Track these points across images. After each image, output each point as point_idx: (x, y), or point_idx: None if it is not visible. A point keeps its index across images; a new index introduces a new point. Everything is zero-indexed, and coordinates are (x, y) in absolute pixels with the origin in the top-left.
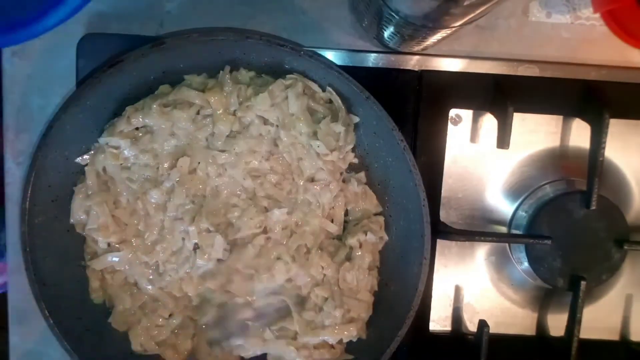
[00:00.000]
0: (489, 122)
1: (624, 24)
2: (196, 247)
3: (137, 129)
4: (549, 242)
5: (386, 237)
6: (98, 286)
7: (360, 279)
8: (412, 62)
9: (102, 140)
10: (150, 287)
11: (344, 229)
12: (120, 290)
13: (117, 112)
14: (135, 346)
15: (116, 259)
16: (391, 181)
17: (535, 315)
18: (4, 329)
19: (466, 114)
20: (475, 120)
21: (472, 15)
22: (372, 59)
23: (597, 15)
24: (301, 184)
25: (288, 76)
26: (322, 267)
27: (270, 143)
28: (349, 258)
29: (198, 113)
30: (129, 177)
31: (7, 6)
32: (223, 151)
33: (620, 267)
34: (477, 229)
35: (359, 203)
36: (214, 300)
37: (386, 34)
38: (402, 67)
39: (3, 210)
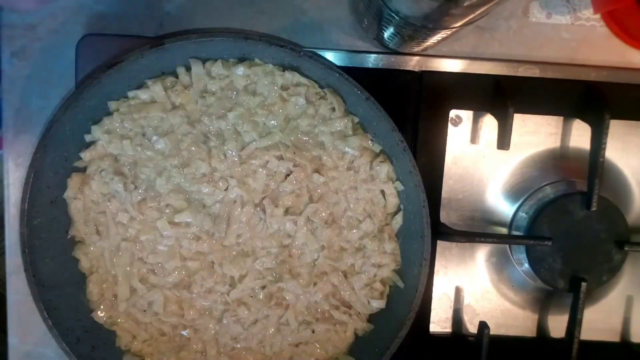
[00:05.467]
0: (489, 123)
1: (624, 25)
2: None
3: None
4: (549, 243)
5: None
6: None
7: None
8: (412, 63)
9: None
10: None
11: None
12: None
13: None
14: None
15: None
16: None
17: (535, 316)
18: (3, 331)
19: (466, 115)
20: (475, 121)
21: (472, 16)
22: (372, 60)
23: (598, 16)
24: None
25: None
26: None
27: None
28: None
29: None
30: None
31: None
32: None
33: (621, 268)
34: (477, 230)
35: None
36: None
37: (386, 34)
38: (402, 68)
39: None
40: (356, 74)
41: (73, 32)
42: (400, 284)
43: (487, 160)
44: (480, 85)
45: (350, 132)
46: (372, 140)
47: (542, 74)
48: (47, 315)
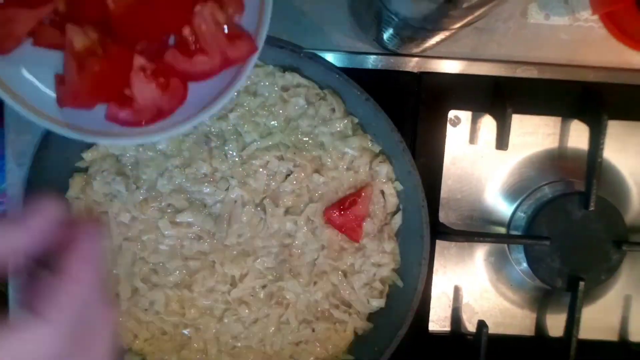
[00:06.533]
0: (487, 123)
1: (622, 26)
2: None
3: None
4: (547, 242)
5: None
6: None
7: None
8: (412, 64)
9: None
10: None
11: None
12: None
13: None
14: None
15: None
16: None
17: (534, 315)
18: None
19: (465, 116)
20: (474, 121)
21: (470, 17)
22: (372, 61)
23: (596, 17)
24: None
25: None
26: None
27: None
28: None
29: None
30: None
31: None
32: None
33: (619, 267)
34: (476, 229)
35: None
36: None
37: (385, 36)
38: (401, 69)
39: None
40: (356, 75)
41: None
42: (400, 283)
43: (486, 161)
44: (479, 86)
45: (350, 133)
46: (371, 140)
47: (540, 74)
48: None
